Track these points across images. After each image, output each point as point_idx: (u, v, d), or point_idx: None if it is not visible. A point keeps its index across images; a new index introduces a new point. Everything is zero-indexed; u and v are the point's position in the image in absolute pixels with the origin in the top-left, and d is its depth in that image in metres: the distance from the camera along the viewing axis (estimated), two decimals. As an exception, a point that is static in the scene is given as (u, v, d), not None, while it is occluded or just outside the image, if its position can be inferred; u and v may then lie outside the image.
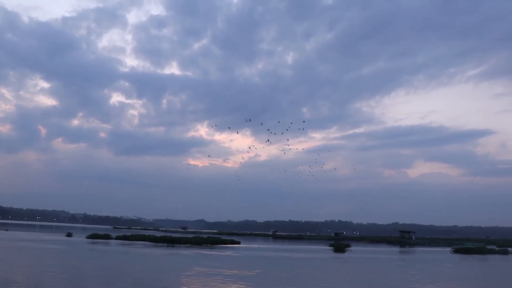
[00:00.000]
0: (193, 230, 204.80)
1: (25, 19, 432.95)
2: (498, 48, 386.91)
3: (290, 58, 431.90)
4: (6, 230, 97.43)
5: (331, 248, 67.27)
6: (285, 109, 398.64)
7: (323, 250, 63.16)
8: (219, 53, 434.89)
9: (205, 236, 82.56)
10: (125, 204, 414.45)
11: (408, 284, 24.98)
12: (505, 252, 67.08)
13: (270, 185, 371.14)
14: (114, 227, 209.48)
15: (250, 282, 22.71)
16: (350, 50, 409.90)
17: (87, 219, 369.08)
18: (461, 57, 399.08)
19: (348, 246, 68.79)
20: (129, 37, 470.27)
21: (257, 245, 72.58)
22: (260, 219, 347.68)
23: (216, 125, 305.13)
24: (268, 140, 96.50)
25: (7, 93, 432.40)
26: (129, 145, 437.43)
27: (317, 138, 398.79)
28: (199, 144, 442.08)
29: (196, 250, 50.30)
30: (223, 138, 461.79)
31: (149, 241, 65.20)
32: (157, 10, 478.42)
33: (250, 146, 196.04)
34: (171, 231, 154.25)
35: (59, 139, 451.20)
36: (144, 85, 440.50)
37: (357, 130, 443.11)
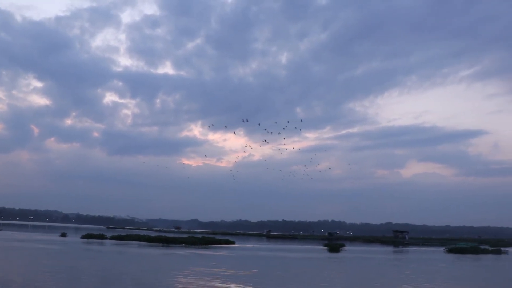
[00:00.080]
0: (187, 230, 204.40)
1: (18, 18, 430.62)
2: (491, 49, 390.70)
3: (284, 58, 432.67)
4: (0, 230, 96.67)
5: (326, 248, 67.53)
6: (279, 109, 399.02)
7: (318, 250, 63.37)
8: (213, 53, 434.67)
9: (199, 236, 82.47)
10: (118, 204, 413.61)
11: (405, 284, 25.18)
12: (499, 252, 67.69)
13: (263, 185, 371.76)
14: (108, 227, 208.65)
15: (249, 282, 22.78)
16: (344, 50, 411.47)
17: (80, 219, 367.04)
18: (454, 57, 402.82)
19: (343, 246, 69.06)
20: (122, 36, 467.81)
21: (251, 245, 72.64)
22: (254, 219, 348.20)
23: (213, 125, 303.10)
24: (265, 140, 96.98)
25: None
26: (123, 145, 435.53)
27: (310, 138, 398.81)
28: (193, 144, 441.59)
29: (191, 250, 50.29)
30: (216, 137, 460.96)
31: (144, 241, 65.03)
32: (151, 9, 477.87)
33: (246, 145, 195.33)
34: (165, 231, 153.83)
35: (52, 139, 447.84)
36: (138, 85, 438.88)
37: (350, 130, 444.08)
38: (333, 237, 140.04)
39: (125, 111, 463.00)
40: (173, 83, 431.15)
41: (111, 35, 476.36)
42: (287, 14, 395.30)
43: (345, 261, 43.54)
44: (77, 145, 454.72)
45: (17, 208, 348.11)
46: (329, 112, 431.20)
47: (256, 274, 27.15)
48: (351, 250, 64.44)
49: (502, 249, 73.15)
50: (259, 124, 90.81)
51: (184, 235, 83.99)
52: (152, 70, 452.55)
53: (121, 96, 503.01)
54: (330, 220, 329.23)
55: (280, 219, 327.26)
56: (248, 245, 71.60)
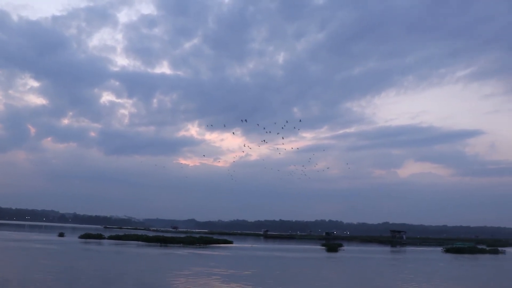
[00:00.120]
0: (184, 229, 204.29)
1: (15, 17, 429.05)
2: (487, 49, 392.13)
3: (281, 58, 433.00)
4: None
5: (324, 247, 67.65)
6: (276, 109, 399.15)
7: (316, 250, 63.48)
8: (210, 53, 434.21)
9: (197, 236, 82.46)
10: (115, 204, 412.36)
11: (405, 283, 25.25)
12: (496, 252, 67.96)
13: (260, 185, 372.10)
14: (105, 227, 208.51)
15: (250, 282, 22.80)
16: (341, 50, 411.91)
17: (77, 218, 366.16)
18: (451, 57, 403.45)
19: (341, 245, 69.16)
20: (119, 36, 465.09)
21: (250, 245, 72.66)
22: (251, 218, 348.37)
23: (212, 125, 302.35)
24: (264, 140, 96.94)
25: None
26: (120, 145, 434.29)
27: (307, 137, 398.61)
28: (190, 143, 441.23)
29: (189, 250, 50.28)
30: (213, 137, 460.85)
31: (142, 241, 64.97)
32: (148, 9, 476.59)
33: (245, 145, 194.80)
34: (162, 231, 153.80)
35: (49, 139, 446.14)
36: (135, 85, 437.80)
37: (347, 130, 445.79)
38: (331, 237, 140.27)
39: (122, 110, 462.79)
40: (170, 83, 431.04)
41: (108, 35, 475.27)
42: (284, 14, 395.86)
43: (344, 261, 43.63)
44: (74, 145, 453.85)
45: (13, 208, 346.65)
46: (326, 112, 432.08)
47: (256, 274, 27.18)
48: (349, 250, 64.56)
49: (500, 249, 73.42)
50: (258, 124, 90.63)
51: (182, 235, 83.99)
52: (149, 70, 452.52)
53: (118, 95, 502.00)
54: (327, 220, 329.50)
55: (277, 219, 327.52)
56: (246, 245, 71.63)
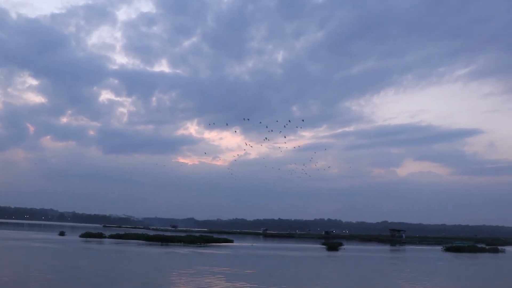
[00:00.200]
0: (183, 228, 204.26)
1: (13, 15, 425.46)
2: (486, 48, 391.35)
3: (280, 56, 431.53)
4: None
5: (324, 246, 67.73)
6: (275, 108, 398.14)
7: (317, 249, 63.63)
8: (209, 51, 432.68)
9: (197, 234, 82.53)
10: (114, 203, 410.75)
11: (406, 282, 25.38)
12: (496, 251, 68.18)
13: (259, 184, 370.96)
14: (104, 226, 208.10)
15: (254, 281, 22.88)
16: (340, 49, 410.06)
17: (75, 217, 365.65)
18: (450, 57, 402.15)
19: (341, 244, 69.21)
20: (118, 34, 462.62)
21: (250, 244, 72.78)
22: (250, 217, 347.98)
23: (214, 123, 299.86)
24: (266, 138, 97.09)
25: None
26: (118, 143, 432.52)
27: (306, 136, 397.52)
28: (189, 142, 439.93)
29: (190, 248, 50.38)
30: (212, 136, 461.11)
31: (143, 240, 65.05)
32: (147, 7, 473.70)
33: (246, 143, 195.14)
34: (162, 230, 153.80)
35: (48, 137, 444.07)
36: (134, 83, 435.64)
37: (346, 129, 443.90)
38: (330, 236, 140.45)
39: (121, 109, 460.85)
40: (169, 81, 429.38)
41: (107, 33, 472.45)
42: (283, 13, 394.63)
43: (345, 260, 43.76)
44: (72, 143, 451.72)
45: (12, 206, 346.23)
46: (325, 111, 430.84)
47: (259, 273, 27.29)
48: (349, 249, 64.70)
49: (500, 247, 73.65)
50: (260, 122, 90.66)
51: (182, 234, 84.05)
52: (148, 68, 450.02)
53: (117, 94, 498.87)
54: (326, 219, 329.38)
55: (276, 218, 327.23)
56: (247, 244, 71.75)
